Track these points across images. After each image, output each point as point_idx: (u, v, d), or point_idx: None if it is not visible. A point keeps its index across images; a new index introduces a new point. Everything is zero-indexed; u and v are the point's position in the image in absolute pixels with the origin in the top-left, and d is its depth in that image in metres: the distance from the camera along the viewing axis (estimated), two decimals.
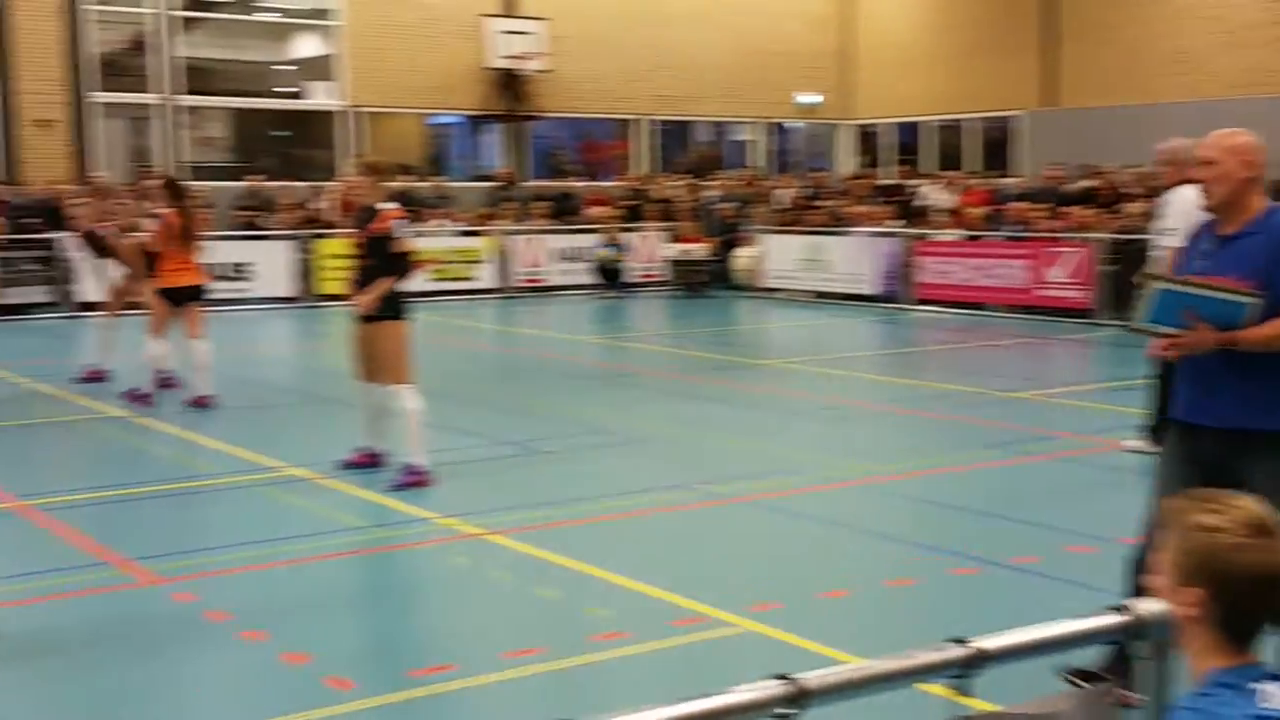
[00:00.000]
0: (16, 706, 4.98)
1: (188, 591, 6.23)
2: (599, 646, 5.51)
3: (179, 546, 7.16)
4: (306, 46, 24.65)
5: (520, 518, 7.57)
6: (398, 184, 22.16)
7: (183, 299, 11.15)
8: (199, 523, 7.76)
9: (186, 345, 11.19)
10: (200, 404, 10.99)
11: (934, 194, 21.82)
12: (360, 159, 8.66)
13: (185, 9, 22.59)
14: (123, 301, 12.38)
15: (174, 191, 11.36)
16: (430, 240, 20.81)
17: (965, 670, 2.22)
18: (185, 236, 11.14)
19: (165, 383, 11.48)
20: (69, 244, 17.69)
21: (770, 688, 2.03)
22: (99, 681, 5.22)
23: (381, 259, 8.23)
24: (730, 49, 26.52)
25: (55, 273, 18.33)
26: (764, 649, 5.48)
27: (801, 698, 2.04)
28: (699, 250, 22.03)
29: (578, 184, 24.84)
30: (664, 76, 25.98)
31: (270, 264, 19.72)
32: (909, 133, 27.70)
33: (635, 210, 23.32)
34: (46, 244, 18.30)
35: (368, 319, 8.31)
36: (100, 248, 12.66)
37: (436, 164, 25.75)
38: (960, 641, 2.24)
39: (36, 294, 18.33)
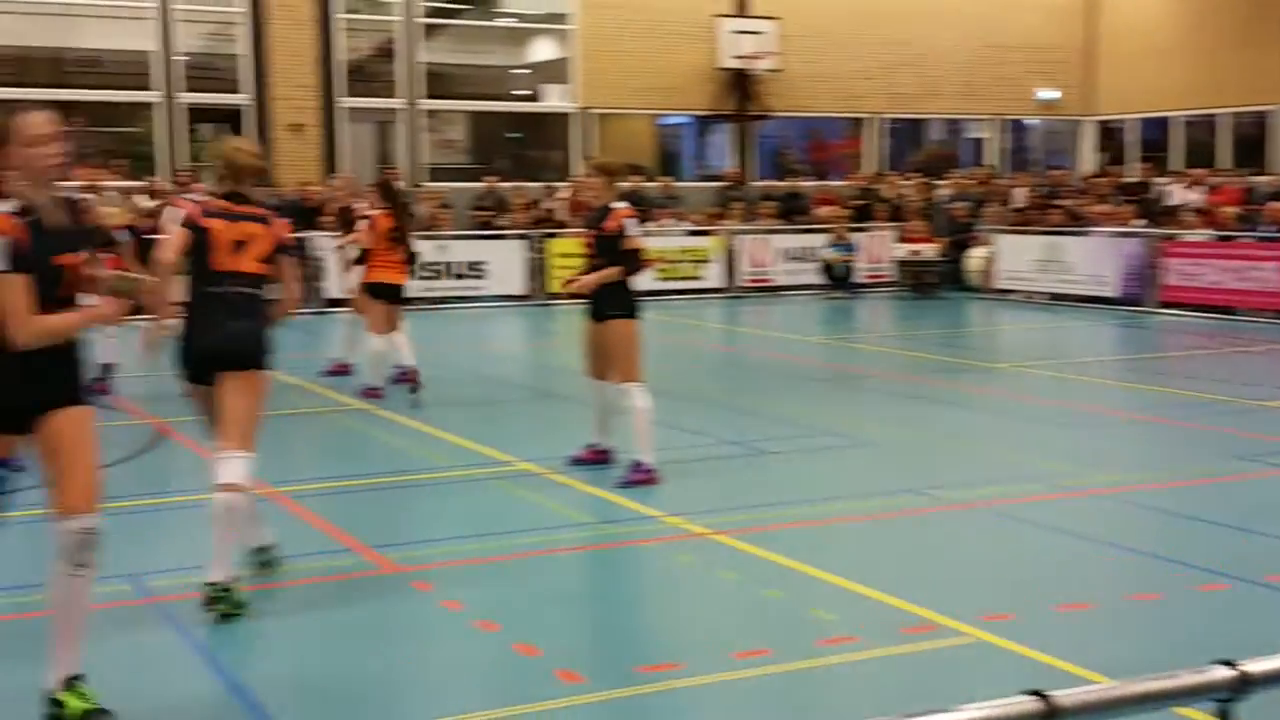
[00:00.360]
0: (272, 688, 5.20)
1: (423, 580, 6.42)
2: (827, 651, 5.44)
3: (416, 536, 7.39)
4: (541, 50, 25.17)
5: (746, 518, 7.54)
6: (628, 184, 22.49)
7: (383, 295, 11.57)
8: (434, 513, 7.98)
9: (370, 339, 11.70)
10: (373, 394, 11.48)
11: (1181, 192, 20.85)
12: (593, 160, 8.78)
13: (428, 17, 23.34)
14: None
15: (386, 194, 11.83)
16: (658, 240, 21.00)
17: (1231, 695, 2.09)
18: (392, 237, 11.54)
19: (402, 377, 11.90)
20: (319, 243, 18.54)
21: (1022, 704, 1.94)
22: (345, 662, 5.42)
23: (612, 257, 8.32)
24: (967, 44, 25.91)
25: (304, 270, 19.18)
26: (997, 661, 5.32)
27: (1054, 716, 1.94)
28: (929, 250, 21.60)
29: (806, 183, 24.67)
30: (898, 74, 25.56)
31: (504, 263, 20.21)
32: (1155, 128, 26.53)
33: (864, 210, 23.02)
34: (297, 244, 19.15)
35: (599, 317, 8.40)
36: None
37: (666, 164, 25.96)
38: (1228, 664, 2.10)
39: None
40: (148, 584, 6.28)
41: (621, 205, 8.48)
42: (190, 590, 6.06)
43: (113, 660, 5.32)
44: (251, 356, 5.97)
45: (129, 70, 21.63)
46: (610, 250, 8.31)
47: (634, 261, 8.33)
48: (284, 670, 5.36)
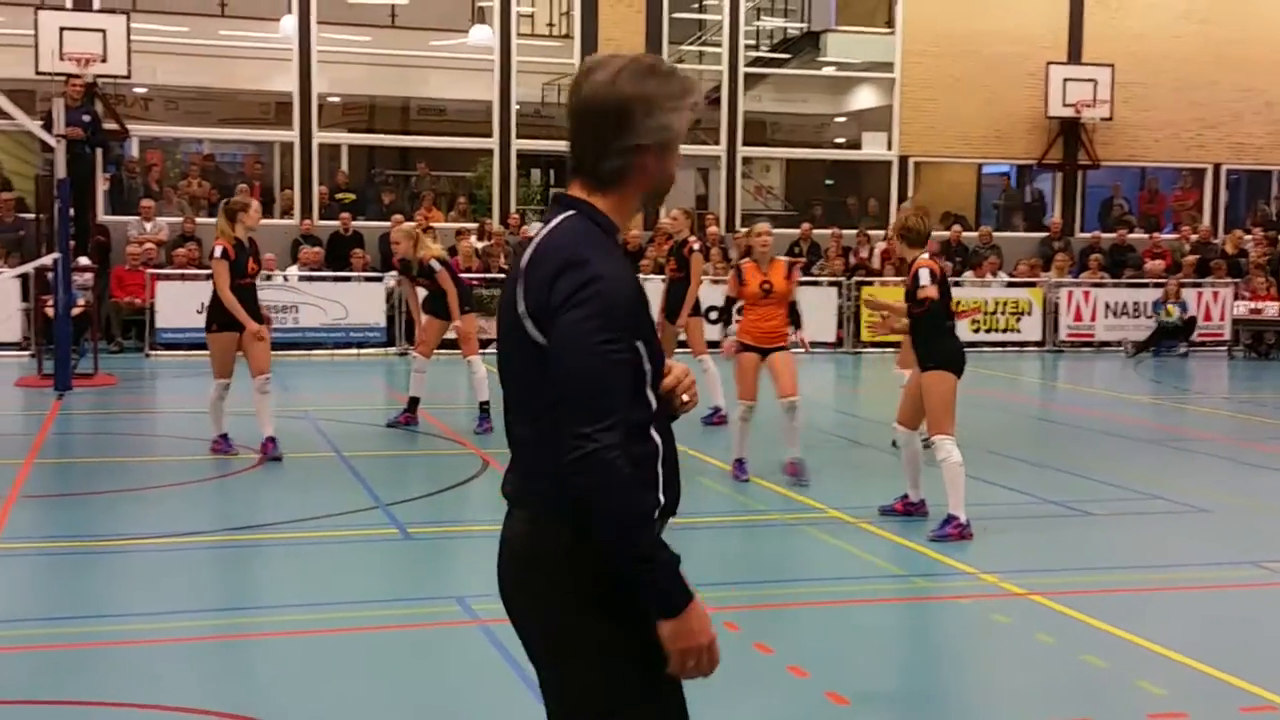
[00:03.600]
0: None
1: (734, 621, 6.46)
2: None
3: (730, 577, 7.45)
4: (862, 99, 25.15)
5: (1065, 580, 7.26)
6: (945, 234, 22.12)
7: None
8: (744, 555, 8.04)
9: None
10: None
11: None
12: (896, 224, 8.71)
13: (753, 66, 23.70)
14: (674, 345, 13.12)
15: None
16: (976, 290, 20.55)
17: None
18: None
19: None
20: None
21: None
22: None
23: (917, 308, 8.25)
24: None
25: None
26: None
27: None
28: (1272, 309, 20.31)
29: (1136, 236, 23.64)
30: (1243, 122, 24.23)
31: (815, 309, 20.18)
32: None
33: (1201, 265, 21.87)
34: None
35: (920, 366, 8.30)
36: None
37: (987, 213, 25.43)
38: None
39: None
40: (474, 606, 6.56)
41: (923, 257, 8.37)
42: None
43: (441, 676, 5.59)
44: None
45: (469, 118, 22.88)
46: (917, 302, 8.25)
47: (921, 306, 8.19)
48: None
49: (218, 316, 10.33)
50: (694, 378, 2.95)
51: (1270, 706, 5.33)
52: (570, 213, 2.82)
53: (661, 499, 2.78)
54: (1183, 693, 5.51)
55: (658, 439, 2.80)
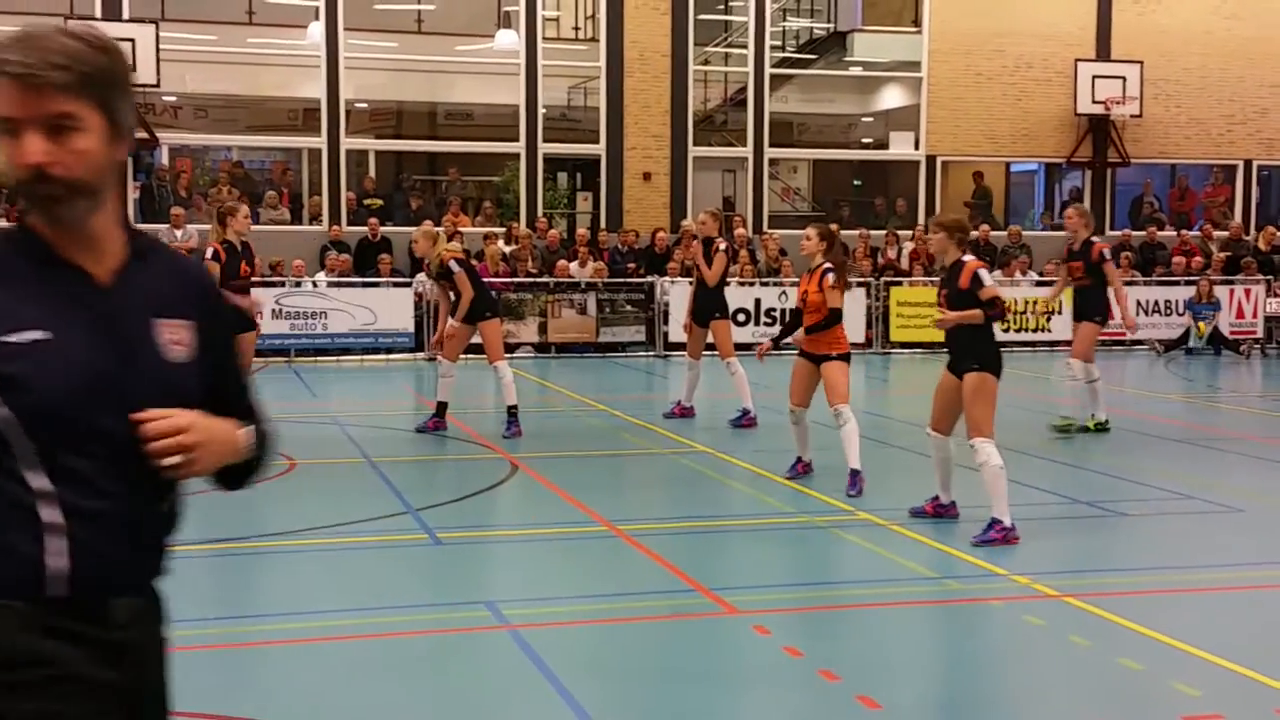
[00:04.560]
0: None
1: (764, 625, 6.44)
2: None
3: (756, 580, 7.42)
4: (889, 99, 25.07)
5: (1100, 581, 7.21)
6: (975, 233, 22.00)
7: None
8: (774, 558, 8.00)
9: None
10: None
11: None
12: (935, 217, 8.64)
13: (779, 67, 23.67)
14: (702, 346, 13.09)
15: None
16: (1005, 290, 20.44)
17: None
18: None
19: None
20: (663, 287, 19.04)
21: None
22: (691, 703, 5.50)
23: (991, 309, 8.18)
24: None
25: (649, 314, 19.74)
26: None
27: None
28: None
29: (1165, 233, 23.48)
30: (1273, 119, 24.04)
31: (847, 311, 20.09)
32: None
33: (1233, 262, 21.69)
34: (642, 288, 19.79)
35: (958, 370, 8.22)
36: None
37: (1014, 211, 25.30)
38: None
39: (631, 334, 19.81)
40: (504, 611, 6.56)
41: (970, 258, 8.32)
42: (542, 619, 6.30)
43: (471, 681, 5.60)
44: None
45: (496, 123, 22.93)
46: (966, 306, 8.16)
47: (995, 308, 8.15)
48: (633, 706, 5.48)
49: None
50: (186, 430, 2.34)
51: None
52: None
53: None
54: (1218, 694, 5.46)
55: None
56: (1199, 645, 6.04)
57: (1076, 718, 5.23)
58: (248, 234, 10.81)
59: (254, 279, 10.84)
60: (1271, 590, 7.16)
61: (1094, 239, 12.69)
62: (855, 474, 9.38)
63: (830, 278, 9.66)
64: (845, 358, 9.78)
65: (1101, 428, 12.31)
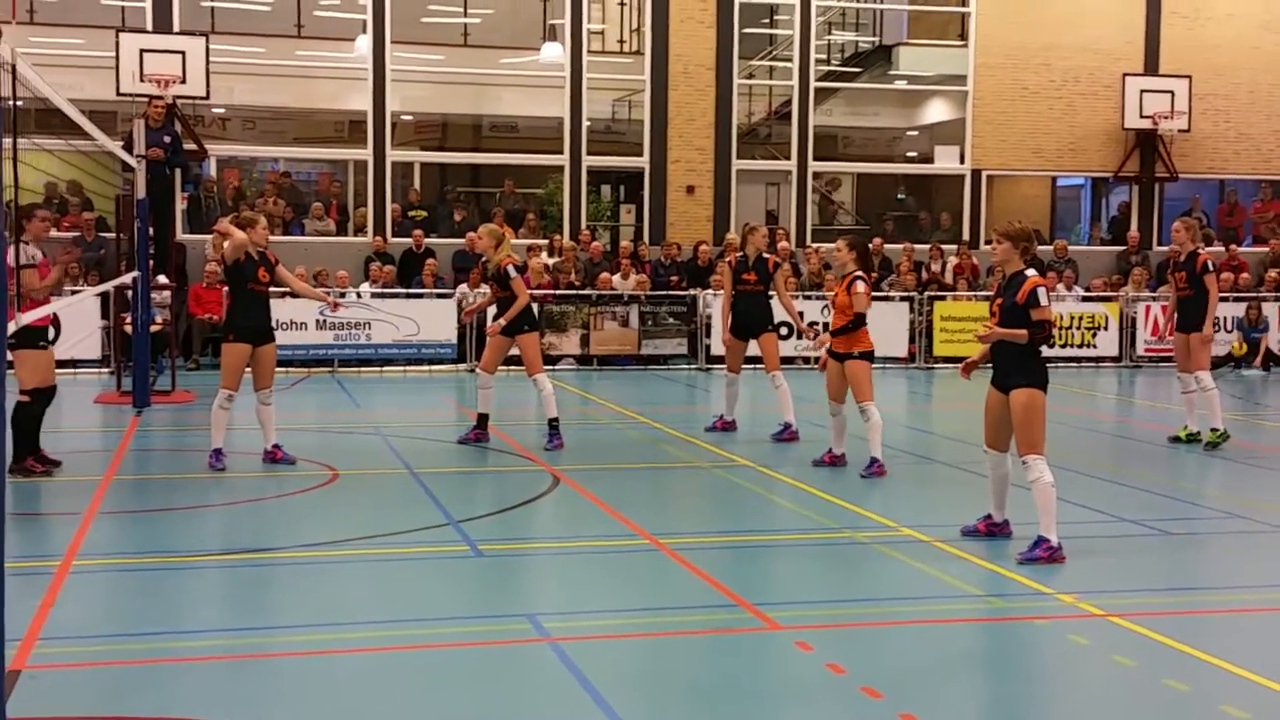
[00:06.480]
0: None
1: (805, 641, 6.41)
2: None
3: (798, 596, 7.39)
4: (933, 112, 24.97)
5: (1146, 601, 7.12)
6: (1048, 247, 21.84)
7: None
8: (816, 574, 7.96)
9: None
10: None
11: None
12: (1003, 226, 8.49)
13: (824, 80, 23.63)
14: (741, 360, 13.05)
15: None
16: (1052, 305, 20.26)
17: None
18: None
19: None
20: (705, 300, 19.02)
21: None
22: (731, 718, 5.47)
23: (1019, 327, 8.08)
24: None
25: (691, 327, 19.74)
26: None
27: None
28: None
29: (1215, 249, 23.22)
30: None
31: (887, 325, 20.01)
32: None
33: None
34: (684, 300, 19.79)
35: (1004, 386, 8.15)
36: None
37: (1060, 225, 25.12)
38: None
39: (673, 346, 19.81)
40: (545, 624, 6.56)
41: (1033, 273, 8.23)
42: (583, 633, 6.29)
43: (511, 694, 5.59)
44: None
45: (541, 135, 23.02)
46: (1018, 320, 8.07)
47: (1042, 332, 8.08)
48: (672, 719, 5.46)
49: (233, 327, 10.77)
50: None
51: None
52: None
53: None
54: (1267, 717, 5.38)
55: None
56: (1247, 667, 5.95)
57: None
58: (266, 244, 10.93)
59: (272, 287, 10.96)
60: None
61: (1199, 250, 12.62)
62: (874, 460, 10.63)
63: (859, 285, 10.66)
64: (868, 356, 10.81)
65: (1222, 437, 12.40)
